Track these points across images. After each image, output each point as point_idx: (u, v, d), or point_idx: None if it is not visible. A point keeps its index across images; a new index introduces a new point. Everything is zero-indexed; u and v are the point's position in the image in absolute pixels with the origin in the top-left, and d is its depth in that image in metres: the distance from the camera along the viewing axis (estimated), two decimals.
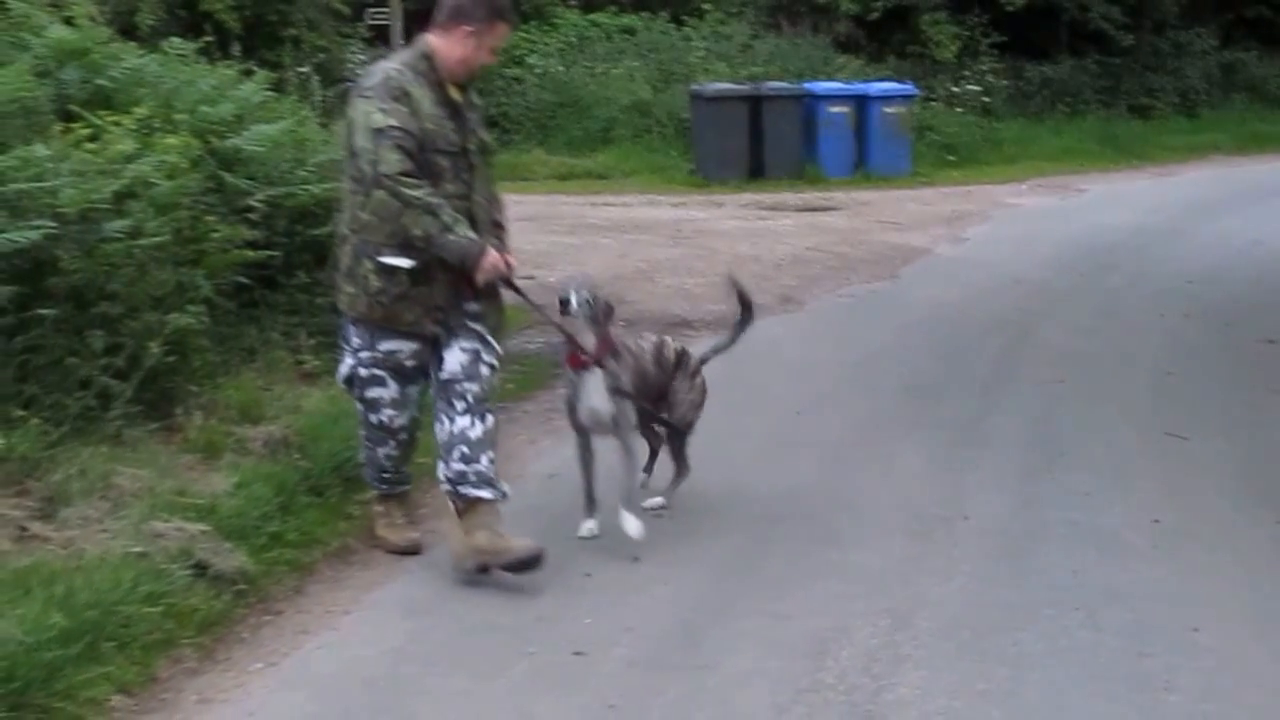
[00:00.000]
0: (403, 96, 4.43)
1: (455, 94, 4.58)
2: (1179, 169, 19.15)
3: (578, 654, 4.11)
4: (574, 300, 4.79)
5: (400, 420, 4.74)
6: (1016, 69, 21.88)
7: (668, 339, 5.48)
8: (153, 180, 5.56)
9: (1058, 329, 9.07)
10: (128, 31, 10.79)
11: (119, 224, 5.15)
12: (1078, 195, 16.49)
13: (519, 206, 13.12)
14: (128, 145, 5.58)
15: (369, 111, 4.41)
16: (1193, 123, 22.56)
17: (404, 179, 4.35)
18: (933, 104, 19.78)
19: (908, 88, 17.80)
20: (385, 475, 4.88)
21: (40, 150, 5.09)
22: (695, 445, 5.46)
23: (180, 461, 4.83)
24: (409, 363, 4.65)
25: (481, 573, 4.56)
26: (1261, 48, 24.55)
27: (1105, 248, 12.33)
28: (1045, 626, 4.37)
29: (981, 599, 4.61)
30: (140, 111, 5.91)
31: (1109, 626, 4.38)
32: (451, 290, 4.56)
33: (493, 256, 4.52)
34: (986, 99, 20.78)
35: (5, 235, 4.47)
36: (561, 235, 12.53)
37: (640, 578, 4.67)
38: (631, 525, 4.85)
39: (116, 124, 5.76)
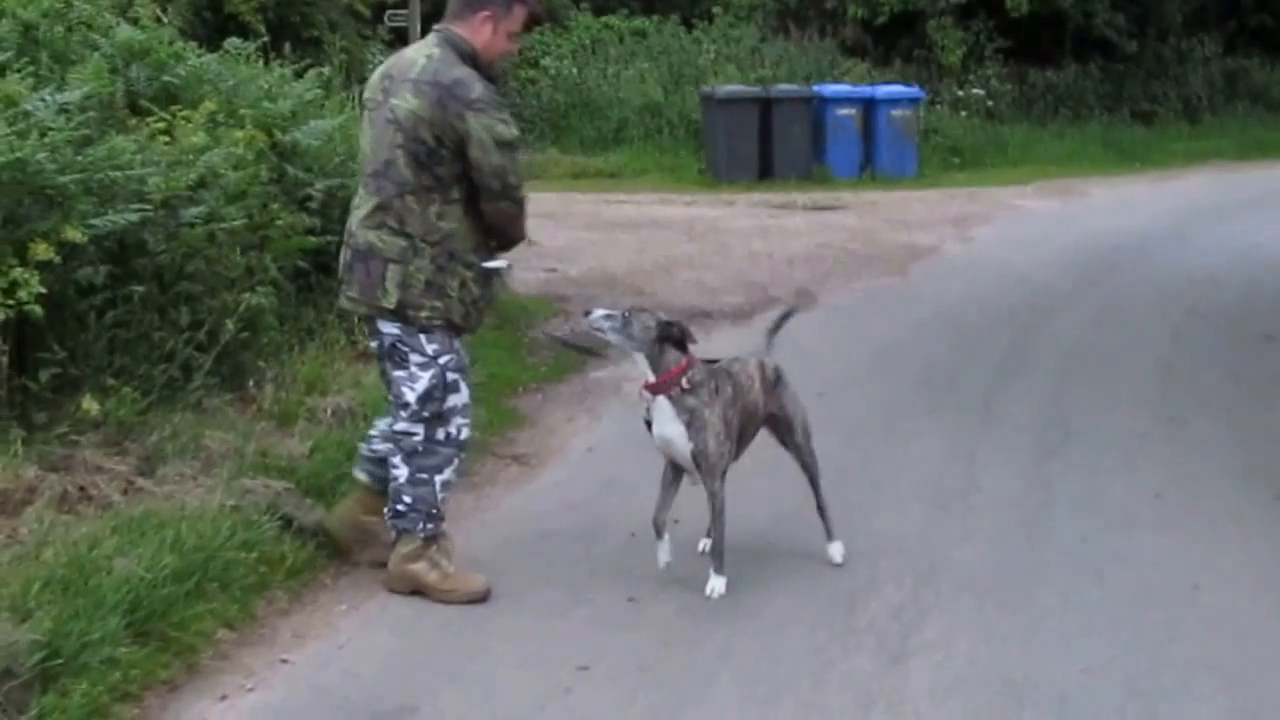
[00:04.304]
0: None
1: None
2: (1181, 174, 19.40)
3: (631, 600, 4.52)
4: (595, 313, 4.53)
5: (466, 431, 4.53)
6: (1021, 74, 22.21)
7: (765, 358, 4.97)
8: (221, 171, 5.96)
9: (1064, 324, 9.44)
10: None
11: (196, 210, 5.54)
12: (1081, 199, 16.81)
13: (535, 204, 13.37)
14: (199, 138, 5.97)
15: (490, 125, 4.27)
16: (1195, 129, 22.81)
17: (522, 185, 4.42)
18: (938, 108, 20.17)
19: (914, 91, 18.15)
20: (434, 511, 4.49)
21: (124, 142, 5.47)
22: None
23: (258, 428, 5.24)
24: (465, 361, 4.57)
25: None
26: (1264, 56, 24.84)
27: (1109, 249, 12.67)
28: (1057, 585, 4.75)
29: (997, 561, 4.99)
30: (208, 107, 6.28)
31: (1116, 585, 4.76)
32: None
33: None
34: (991, 103, 21.16)
35: (107, 218, 4.85)
36: (580, 231, 12.93)
37: (681, 538, 5.01)
38: (714, 583, 4.56)
39: (187, 119, 6.15)
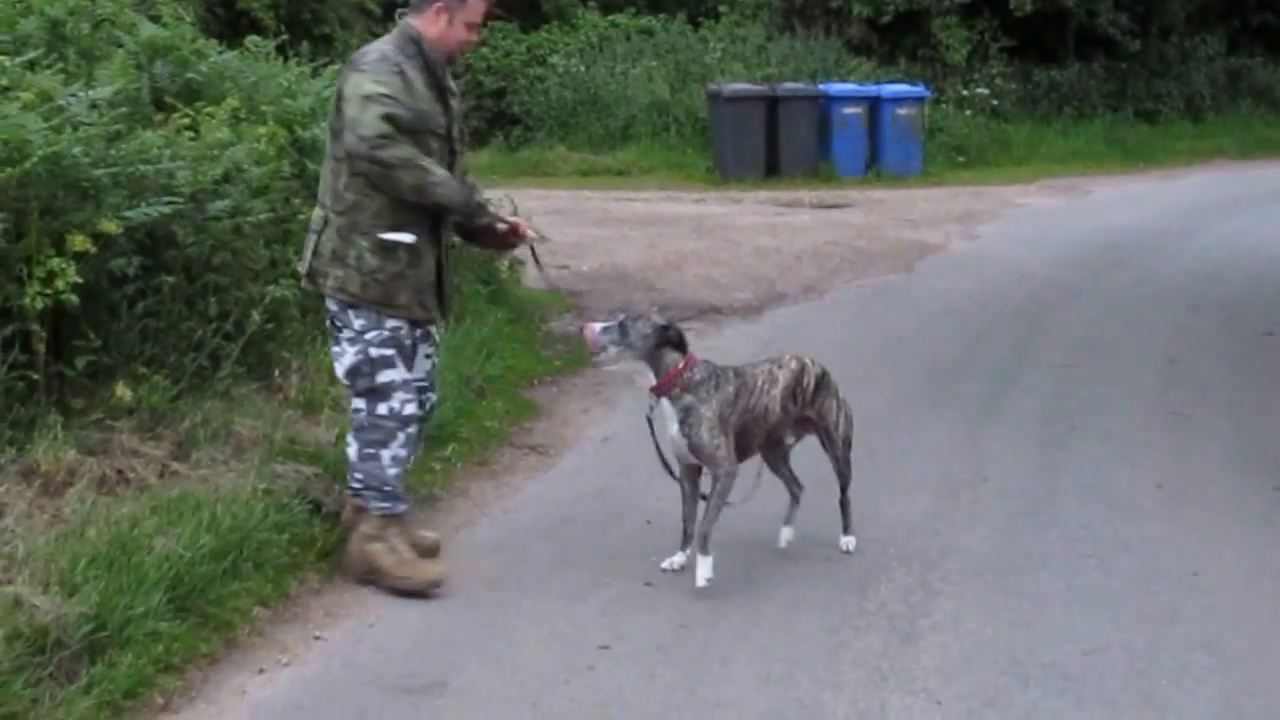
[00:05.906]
0: (399, 73, 4.41)
1: (443, 79, 4.57)
2: (1184, 173, 19.49)
3: (648, 585, 4.67)
4: (598, 339, 4.58)
5: (411, 407, 4.55)
6: (1025, 73, 22.28)
7: (808, 361, 5.00)
8: (244, 166, 6.10)
9: (1068, 319, 9.58)
10: None
11: (222, 204, 5.68)
12: (1085, 196, 16.91)
13: (545, 201, 13.74)
14: (223, 134, 6.10)
15: (360, 82, 4.35)
16: (1198, 127, 22.87)
17: (381, 141, 4.29)
18: (943, 106, 20.27)
19: (919, 89, 18.26)
20: (388, 488, 4.57)
21: (153, 137, 5.61)
22: None
23: (285, 415, 5.39)
24: (407, 341, 4.55)
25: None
26: (1267, 54, 24.91)
27: (1112, 246, 12.79)
28: (1061, 570, 4.90)
29: (1003, 547, 5.14)
30: (231, 103, 6.42)
31: (1118, 570, 4.92)
32: (436, 275, 4.61)
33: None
34: (995, 102, 21.25)
35: (140, 210, 5.00)
36: (590, 228, 13.07)
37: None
38: (700, 569, 4.57)
39: (210, 115, 6.28)
